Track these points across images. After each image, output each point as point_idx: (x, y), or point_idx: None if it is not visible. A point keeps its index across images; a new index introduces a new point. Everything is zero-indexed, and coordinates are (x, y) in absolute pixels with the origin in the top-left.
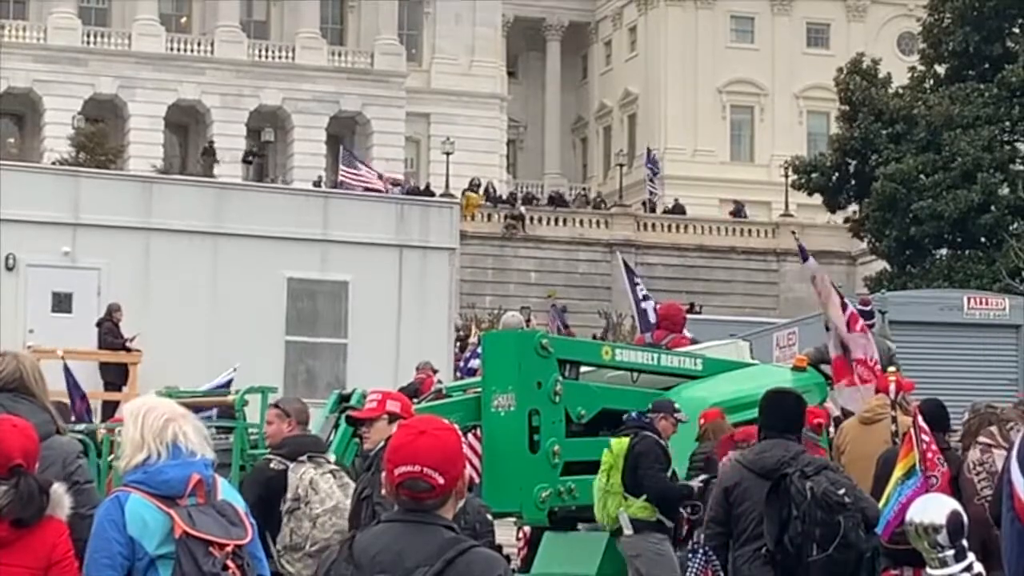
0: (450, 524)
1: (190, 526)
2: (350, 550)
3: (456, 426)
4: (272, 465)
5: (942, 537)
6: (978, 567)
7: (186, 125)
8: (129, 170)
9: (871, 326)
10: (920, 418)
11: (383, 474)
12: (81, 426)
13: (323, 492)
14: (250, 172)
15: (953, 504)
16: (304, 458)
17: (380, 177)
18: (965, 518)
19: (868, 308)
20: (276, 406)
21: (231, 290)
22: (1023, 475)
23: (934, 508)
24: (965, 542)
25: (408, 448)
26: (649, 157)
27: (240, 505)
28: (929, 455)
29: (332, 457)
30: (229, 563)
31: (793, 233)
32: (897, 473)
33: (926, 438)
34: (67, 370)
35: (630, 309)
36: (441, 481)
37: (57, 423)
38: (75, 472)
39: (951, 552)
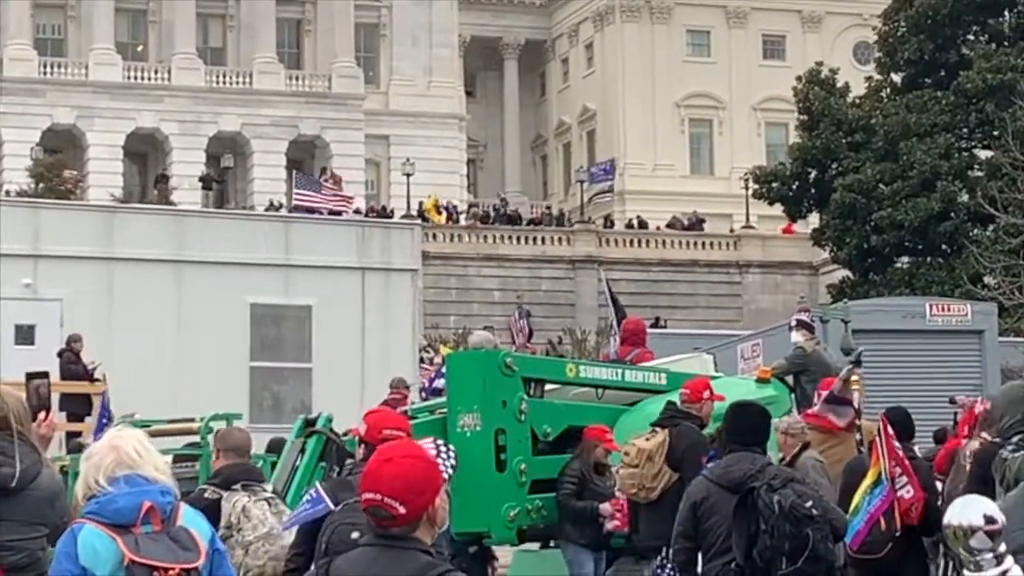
0: (426, 548)
1: (135, 553)
2: (327, 571)
3: (440, 452)
4: (207, 495)
5: (978, 540)
6: (1016, 572)
7: (145, 153)
8: (89, 200)
9: (812, 335)
10: (888, 427)
11: None
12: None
13: (255, 519)
14: (210, 198)
15: (991, 506)
16: (238, 486)
17: (342, 195)
18: (1003, 520)
19: (809, 316)
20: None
21: (194, 317)
22: None
23: (972, 510)
24: (1004, 546)
25: (373, 475)
26: (598, 167)
27: (201, 531)
28: (899, 468)
29: (268, 487)
30: None
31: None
32: (866, 482)
33: (899, 451)
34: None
35: (605, 325)
36: (402, 511)
37: (43, 459)
38: (61, 513)
39: (989, 555)
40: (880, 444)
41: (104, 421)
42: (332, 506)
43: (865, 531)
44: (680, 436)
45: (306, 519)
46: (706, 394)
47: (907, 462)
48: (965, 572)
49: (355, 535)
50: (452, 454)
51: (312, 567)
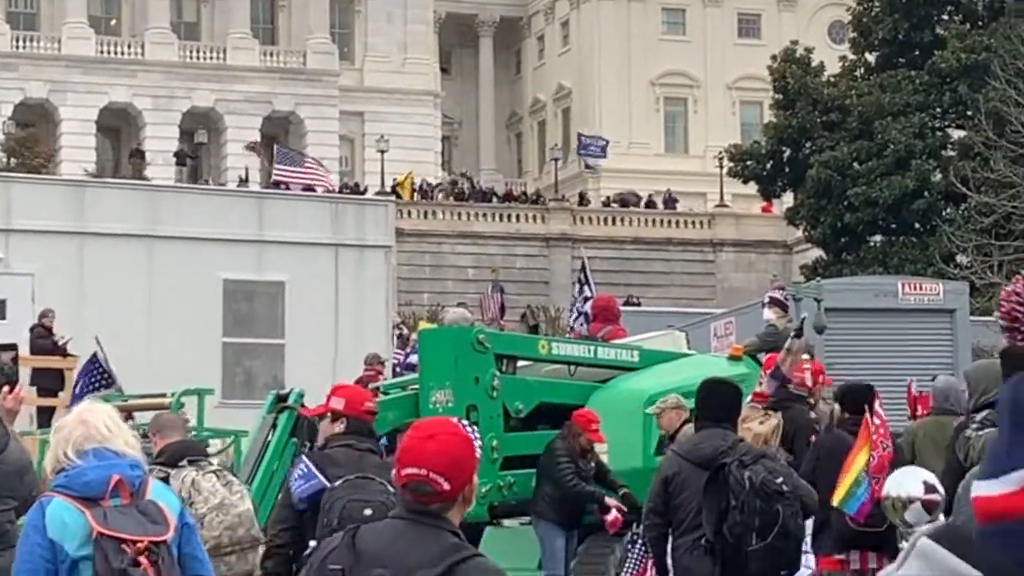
0: (455, 529)
1: (103, 525)
2: (353, 539)
3: (469, 432)
4: (153, 475)
5: (913, 512)
6: None
7: (118, 128)
8: (61, 174)
9: (785, 313)
10: (877, 402)
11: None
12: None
13: (206, 491)
14: (184, 174)
15: (929, 476)
16: (184, 462)
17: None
18: (942, 491)
19: (783, 294)
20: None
21: (167, 293)
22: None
23: (910, 480)
24: (941, 516)
25: (416, 451)
26: (592, 140)
27: (170, 504)
28: (881, 432)
29: (215, 460)
30: (142, 559)
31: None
32: (861, 458)
33: (877, 421)
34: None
35: (571, 303)
36: (447, 487)
37: (10, 433)
38: (30, 486)
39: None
40: (870, 419)
41: (95, 381)
42: (325, 482)
43: (870, 503)
44: (792, 419)
45: (308, 491)
46: (820, 378)
47: (890, 438)
48: (901, 543)
49: (368, 512)
50: (477, 435)
51: (311, 543)
